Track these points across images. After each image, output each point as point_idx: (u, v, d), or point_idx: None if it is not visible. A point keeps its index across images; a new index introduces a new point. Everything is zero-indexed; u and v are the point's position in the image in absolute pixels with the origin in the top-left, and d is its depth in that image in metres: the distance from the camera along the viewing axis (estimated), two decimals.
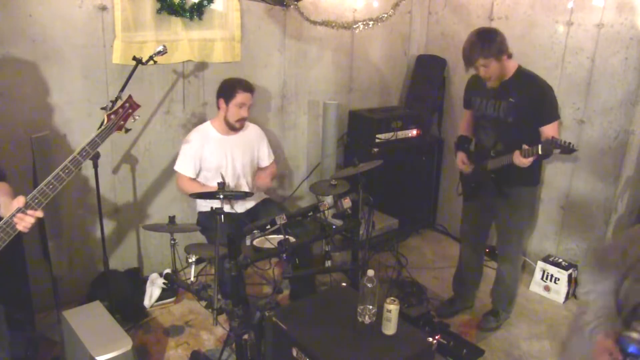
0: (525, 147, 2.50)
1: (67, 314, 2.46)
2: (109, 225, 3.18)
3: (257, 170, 3.32)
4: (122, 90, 2.74)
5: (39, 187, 1.87)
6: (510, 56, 2.63)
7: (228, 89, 3.02)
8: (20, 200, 1.81)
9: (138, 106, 2.31)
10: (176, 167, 3.08)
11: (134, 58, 2.72)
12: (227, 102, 3.02)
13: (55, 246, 2.74)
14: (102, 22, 2.90)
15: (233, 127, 3.08)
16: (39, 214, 1.84)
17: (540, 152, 2.44)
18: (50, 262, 2.74)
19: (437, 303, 3.31)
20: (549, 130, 2.59)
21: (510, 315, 3.19)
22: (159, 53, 2.76)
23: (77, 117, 2.95)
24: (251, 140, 3.23)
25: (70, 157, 1.98)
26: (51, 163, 2.75)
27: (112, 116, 2.22)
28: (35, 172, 2.65)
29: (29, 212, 1.81)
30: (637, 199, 3.43)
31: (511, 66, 2.66)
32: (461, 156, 2.96)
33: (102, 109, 2.32)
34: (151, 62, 2.76)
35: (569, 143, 2.41)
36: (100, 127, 2.21)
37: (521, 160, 2.51)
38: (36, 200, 1.84)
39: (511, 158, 2.57)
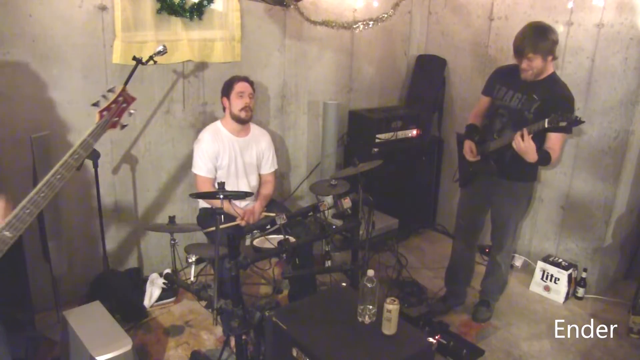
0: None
1: (67, 314, 2.46)
2: (109, 225, 3.18)
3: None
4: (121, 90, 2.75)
5: (29, 195, 1.70)
6: (554, 58, 2.67)
7: (226, 85, 3.11)
8: None
9: (133, 99, 2.05)
10: (194, 170, 3.07)
11: (134, 58, 2.72)
12: (228, 96, 3.08)
13: (55, 246, 2.73)
14: (102, 22, 2.90)
15: (239, 119, 3.07)
16: None
17: (546, 126, 2.48)
18: (50, 262, 2.73)
19: (431, 302, 3.32)
20: (553, 138, 2.67)
21: (497, 301, 3.27)
22: (159, 53, 2.76)
23: (77, 117, 2.94)
24: (259, 144, 3.24)
25: (62, 160, 1.79)
26: (51, 163, 2.75)
27: (105, 113, 1.95)
28: (35, 172, 2.65)
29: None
30: (637, 199, 3.43)
31: (549, 68, 2.70)
32: (469, 144, 2.96)
33: (94, 105, 1.99)
34: (151, 62, 2.76)
35: (576, 117, 2.46)
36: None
37: (519, 142, 2.54)
38: (27, 211, 1.68)
39: (511, 138, 2.60)
